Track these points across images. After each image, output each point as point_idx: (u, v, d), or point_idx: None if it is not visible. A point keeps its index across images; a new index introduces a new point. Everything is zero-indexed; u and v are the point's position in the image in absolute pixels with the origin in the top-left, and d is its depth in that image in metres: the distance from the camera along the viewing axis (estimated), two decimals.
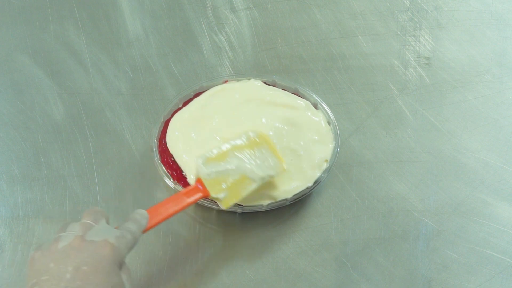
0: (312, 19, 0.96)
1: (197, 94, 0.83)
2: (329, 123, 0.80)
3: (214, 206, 0.74)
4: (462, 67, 0.91)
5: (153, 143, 0.78)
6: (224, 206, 0.71)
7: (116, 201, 0.78)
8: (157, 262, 0.74)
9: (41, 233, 0.76)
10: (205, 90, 0.83)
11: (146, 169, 0.80)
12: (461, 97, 0.88)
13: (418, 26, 0.95)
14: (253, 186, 0.71)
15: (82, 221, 0.61)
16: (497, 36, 0.94)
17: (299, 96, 0.83)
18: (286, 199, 0.75)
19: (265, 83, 0.84)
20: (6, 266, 0.74)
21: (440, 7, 0.97)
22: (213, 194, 0.70)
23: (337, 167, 0.80)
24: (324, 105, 0.81)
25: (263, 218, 0.77)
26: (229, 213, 0.76)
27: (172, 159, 0.77)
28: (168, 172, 0.76)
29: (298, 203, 0.77)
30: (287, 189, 0.75)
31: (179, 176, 0.76)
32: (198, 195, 0.70)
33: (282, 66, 0.91)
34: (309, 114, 0.81)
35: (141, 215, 0.64)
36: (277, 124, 0.80)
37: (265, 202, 0.74)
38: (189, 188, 0.70)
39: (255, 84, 0.83)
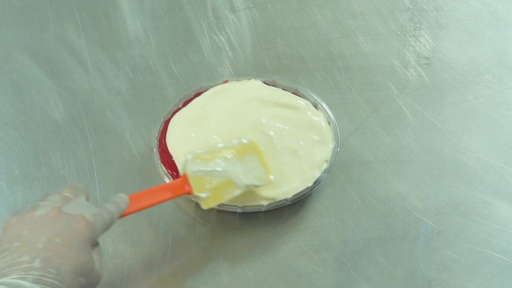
0: (312, 19, 0.96)
1: (197, 94, 0.83)
2: (329, 123, 0.80)
3: (214, 206, 0.74)
4: (462, 67, 0.91)
5: (153, 143, 0.78)
6: (204, 206, 0.71)
7: None
8: (157, 262, 0.74)
9: None
10: (205, 90, 0.83)
11: (146, 169, 0.80)
12: (461, 97, 0.88)
13: (418, 26, 0.95)
14: (236, 192, 0.72)
15: (62, 194, 0.61)
16: (497, 36, 0.94)
17: (299, 96, 0.83)
18: (286, 199, 0.75)
19: (265, 83, 0.84)
20: None
21: (440, 7, 0.97)
22: (196, 192, 0.70)
23: (337, 167, 0.80)
24: (324, 105, 0.81)
25: (263, 218, 0.77)
26: (229, 213, 0.76)
27: (172, 159, 0.77)
28: (168, 172, 0.76)
29: (298, 203, 0.77)
30: (287, 189, 0.75)
31: (179, 176, 0.76)
32: (182, 190, 0.70)
33: (282, 66, 0.91)
34: (309, 114, 0.81)
35: (122, 199, 0.65)
36: (277, 124, 0.80)
37: (265, 202, 0.74)
38: (174, 182, 0.71)
39: (255, 84, 0.83)
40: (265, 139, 0.78)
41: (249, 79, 0.84)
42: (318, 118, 0.81)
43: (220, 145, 0.74)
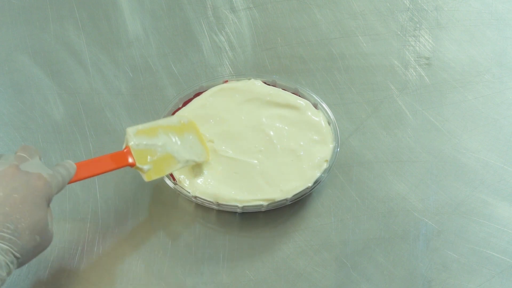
0: (312, 19, 0.96)
1: (197, 94, 0.83)
2: (329, 123, 0.80)
3: (214, 206, 0.75)
4: (462, 67, 0.91)
5: None
6: (146, 178, 0.72)
7: (116, 201, 0.78)
8: (157, 262, 0.74)
9: None
10: (205, 90, 0.83)
11: None
12: (461, 97, 0.88)
13: (418, 26, 0.95)
14: (177, 166, 0.74)
15: (17, 154, 0.62)
16: (497, 36, 0.94)
17: (299, 96, 0.83)
18: (286, 199, 0.75)
19: (265, 83, 0.84)
20: None
21: (440, 7, 0.97)
22: (138, 164, 0.71)
23: (337, 167, 0.80)
24: (324, 105, 0.81)
25: (263, 218, 0.77)
26: (229, 213, 0.76)
27: None
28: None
29: (298, 203, 0.77)
30: (287, 189, 0.75)
31: (174, 178, 0.76)
32: (125, 161, 0.71)
33: (282, 66, 0.91)
34: (309, 114, 0.81)
35: (70, 165, 0.66)
36: (277, 124, 0.80)
37: (265, 202, 0.74)
38: (117, 152, 0.71)
39: (255, 84, 0.83)
40: (265, 139, 0.79)
41: (249, 79, 0.84)
42: (318, 118, 0.81)
43: (161, 121, 0.76)
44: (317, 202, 0.78)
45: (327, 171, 0.77)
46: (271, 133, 0.79)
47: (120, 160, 0.71)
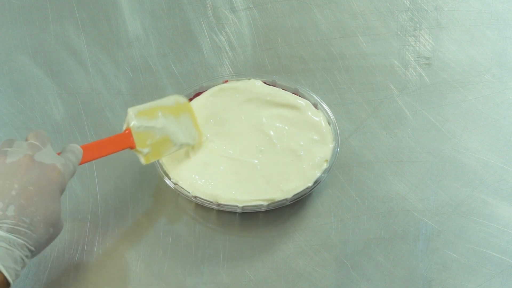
0: (312, 19, 0.96)
1: (197, 94, 0.83)
2: (329, 123, 0.80)
3: (214, 206, 0.75)
4: (462, 67, 0.91)
5: None
6: (145, 161, 0.72)
7: (116, 201, 0.78)
8: (157, 262, 0.74)
9: None
10: (205, 90, 0.83)
11: (146, 169, 0.80)
12: (461, 97, 0.88)
13: (418, 26, 0.95)
14: (173, 149, 0.75)
15: (30, 142, 0.61)
16: (497, 36, 0.94)
17: (299, 96, 0.83)
18: (286, 199, 0.75)
19: (265, 83, 0.84)
20: None
21: (440, 7, 0.97)
22: (138, 147, 0.71)
23: (337, 167, 0.80)
24: (324, 105, 0.81)
25: (263, 218, 0.77)
26: (229, 213, 0.76)
27: None
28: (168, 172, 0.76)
29: (298, 203, 0.77)
30: (287, 189, 0.75)
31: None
32: (126, 144, 0.71)
33: (282, 66, 0.91)
34: (309, 114, 0.81)
35: (77, 149, 0.65)
36: (277, 124, 0.80)
37: (265, 202, 0.74)
38: (119, 135, 0.71)
39: (255, 84, 0.83)
40: (265, 139, 0.79)
41: (249, 79, 0.84)
42: (318, 118, 0.81)
43: (160, 101, 0.76)
44: (317, 202, 0.78)
45: (327, 171, 0.77)
46: (271, 133, 0.79)
47: (122, 142, 0.71)
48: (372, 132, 0.84)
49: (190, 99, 0.82)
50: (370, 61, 0.91)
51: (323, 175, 0.76)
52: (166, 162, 0.76)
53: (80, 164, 0.66)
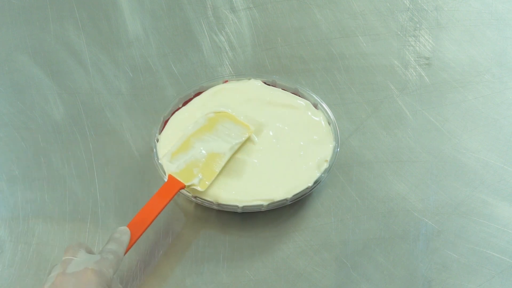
0: (312, 19, 0.96)
1: (197, 94, 0.83)
2: (329, 123, 0.80)
3: (214, 206, 0.74)
4: (462, 67, 0.91)
5: (153, 143, 0.78)
6: (201, 187, 0.72)
7: (116, 201, 0.78)
8: (157, 262, 0.74)
9: (41, 233, 0.76)
10: (205, 90, 0.83)
11: (146, 169, 0.80)
12: (461, 97, 0.88)
13: (418, 26, 0.95)
14: (225, 158, 0.75)
15: (63, 259, 0.62)
16: (497, 36, 0.94)
17: (299, 96, 0.83)
18: (286, 199, 0.75)
19: (265, 83, 0.84)
20: (6, 266, 0.74)
21: (440, 7, 0.97)
22: (187, 183, 0.71)
23: (337, 167, 0.80)
24: (324, 105, 0.81)
25: (263, 218, 0.77)
26: (229, 213, 0.76)
27: None
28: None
29: (298, 203, 0.77)
30: (287, 189, 0.75)
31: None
32: (174, 190, 0.71)
33: (282, 66, 0.91)
34: (309, 114, 0.81)
35: (121, 232, 0.66)
36: (277, 124, 0.80)
37: (265, 202, 0.74)
38: (162, 187, 0.71)
39: (255, 84, 0.83)
40: (265, 139, 0.78)
41: (249, 79, 0.84)
42: (318, 118, 0.81)
43: (189, 131, 0.76)
44: (317, 202, 0.78)
45: (327, 171, 0.77)
46: (271, 133, 0.79)
47: (169, 192, 0.70)
48: (372, 132, 0.84)
49: (190, 99, 0.82)
50: (370, 61, 0.91)
51: (323, 175, 0.76)
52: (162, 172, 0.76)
53: (139, 236, 0.67)
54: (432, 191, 0.79)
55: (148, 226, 0.68)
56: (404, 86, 0.89)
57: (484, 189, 0.79)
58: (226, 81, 0.84)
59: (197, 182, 0.72)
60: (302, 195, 0.75)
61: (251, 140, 0.78)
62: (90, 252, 0.64)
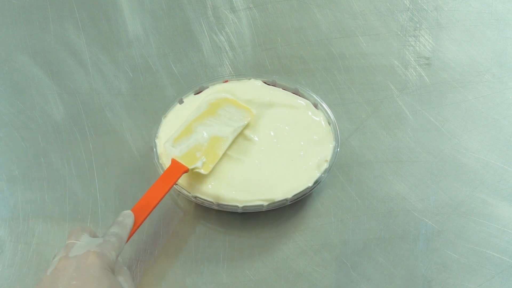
0: (312, 19, 0.96)
1: (197, 94, 0.83)
2: (329, 123, 0.80)
3: (214, 206, 0.75)
4: (462, 67, 0.91)
5: (153, 143, 0.78)
6: (204, 170, 0.73)
7: (116, 201, 0.78)
8: (157, 262, 0.74)
9: (41, 233, 0.76)
10: (205, 90, 0.83)
11: (146, 169, 0.80)
12: (461, 97, 0.88)
13: (418, 26, 0.95)
14: (228, 142, 0.75)
15: (66, 243, 0.62)
16: (497, 36, 0.94)
17: (299, 96, 0.83)
18: (286, 199, 0.75)
19: (265, 83, 0.84)
20: (6, 266, 0.74)
21: (440, 7, 0.97)
22: (190, 166, 0.72)
23: (337, 167, 0.80)
24: (324, 105, 0.81)
25: (263, 218, 0.77)
26: (229, 213, 0.76)
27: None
28: None
29: (298, 203, 0.77)
30: (287, 189, 0.75)
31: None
32: (178, 174, 0.71)
33: (282, 66, 0.91)
34: (309, 114, 0.81)
35: (124, 216, 0.66)
36: (277, 124, 0.80)
37: (265, 202, 0.74)
38: (166, 172, 0.71)
39: (255, 84, 0.83)
40: (265, 139, 0.78)
41: (249, 79, 0.84)
42: (318, 118, 0.81)
43: (191, 117, 0.77)
44: (317, 202, 0.79)
45: (327, 171, 0.77)
46: (271, 133, 0.79)
47: (172, 176, 0.71)
48: (372, 132, 0.84)
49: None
50: (370, 61, 0.91)
51: (323, 175, 0.76)
52: (166, 162, 0.76)
53: (143, 220, 0.67)
54: (432, 191, 0.79)
55: (152, 210, 0.68)
56: (404, 86, 0.89)
57: (484, 189, 0.80)
58: (226, 81, 0.84)
59: (200, 165, 0.72)
60: (302, 195, 0.75)
61: (251, 140, 0.78)
62: (94, 235, 0.64)
